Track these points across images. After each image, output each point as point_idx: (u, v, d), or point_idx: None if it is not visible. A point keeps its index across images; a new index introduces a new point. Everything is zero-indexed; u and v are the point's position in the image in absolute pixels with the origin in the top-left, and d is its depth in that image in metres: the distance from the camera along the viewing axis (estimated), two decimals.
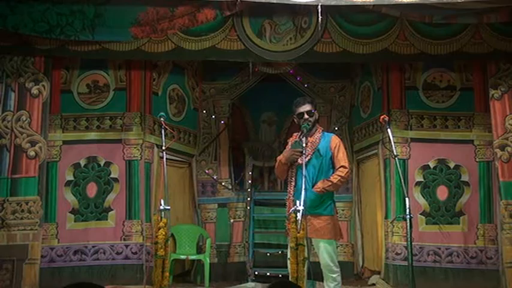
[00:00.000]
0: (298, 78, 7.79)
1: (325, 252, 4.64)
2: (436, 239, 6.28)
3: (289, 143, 4.90)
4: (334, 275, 4.66)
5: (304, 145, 4.61)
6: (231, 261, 7.49)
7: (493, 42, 5.96)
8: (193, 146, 7.63)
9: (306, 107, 4.78)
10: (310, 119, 4.76)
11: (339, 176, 4.69)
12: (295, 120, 4.89)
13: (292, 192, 4.75)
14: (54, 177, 6.23)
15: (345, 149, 4.89)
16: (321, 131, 4.87)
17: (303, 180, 4.39)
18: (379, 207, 6.76)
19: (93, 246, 6.19)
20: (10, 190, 5.83)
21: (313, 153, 4.73)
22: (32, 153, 5.90)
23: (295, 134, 4.98)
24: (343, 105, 7.88)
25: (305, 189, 4.36)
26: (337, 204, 6.65)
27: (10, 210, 5.78)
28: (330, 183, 4.67)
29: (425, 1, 5.41)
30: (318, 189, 4.64)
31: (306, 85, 7.84)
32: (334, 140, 4.82)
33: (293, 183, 4.78)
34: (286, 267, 4.57)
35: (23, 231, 5.78)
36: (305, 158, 4.57)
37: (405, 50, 6.02)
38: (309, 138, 4.75)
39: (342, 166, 4.71)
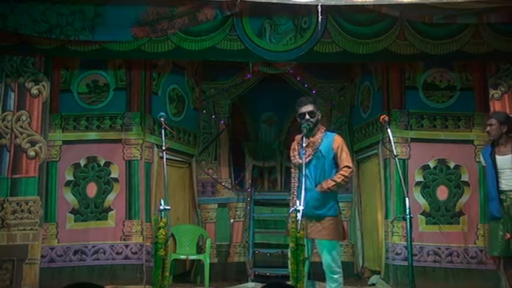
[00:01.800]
0: (298, 78, 7.78)
1: (327, 252, 4.64)
2: (436, 239, 6.28)
3: (294, 146, 4.88)
4: (335, 276, 4.66)
5: (304, 146, 4.61)
6: (231, 261, 7.49)
7: (493, 42, 5.94)
8: (193, 146, 7.63)
9: (308, 108, 4.77)
10: (311, 119, 4.75)
11: (343, 175, 4.68)
12: (298, 120, 4.89)
13: (296, 193, 4.74)
14: (54, 177, 6.24)
15: (348, 148, 4.88)
16: (323, 130, 4.84)
17: (304, 180, 4.40)
18: (379, 207, 6.76)
19: (93, 246, 6.19)
20: (10, 190, 5.82)
21: (314, 154, 4.72)
22: (32, 153, 5.90)
23: (297, 136, 4.95)
24: (343, 105, 7.89)
25: (305, 189, 4.37)
26: None
27: (10, 210, 5.77)
28: (333, 183, 4.66)
29: (425, 1, 5.42)
30: (322, 189, 4.64)
31: (305, 85, 7.83)
32: (337, 139, 4.80)
33: (296, 184, 4.77)
34: (287, 267, 4.58)
35: (23, 231, 5.77)
36: (306, 158, 4.56)
37: (405, 50, 6.01)
38: (310, 139, 4.75)
39: (345, 166, 4.70)
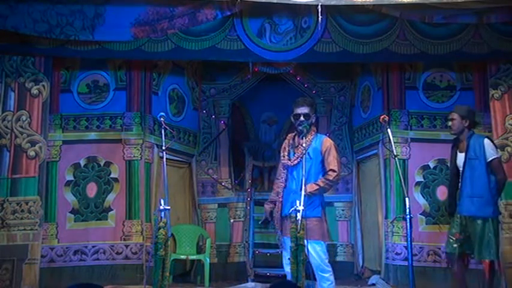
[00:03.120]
0: (298, 78, 7.79)
1: (315, 253, 4.66)
2: (436, 239, 6.27)
3: (285, 146, 4.91)
4: (326, 275, 4.69)
5: (294, 149, 4.66)
6: (231, 261, 7.49)
7: (493, 42, 5.95)
8: (193, 146, 7.63)
9: (304, 109, 4.79)
10: (305, 122, 4.76)
11: (327, 179, 4.70)
12: (292, 119, 4.90)
13: (281, 193, 4.77)
14: (54, 177, 6.24)
15: (337, 151, 4.87)
16: (313, 133, 4.87)
17: (293, 181, 4.43)
18: (379, 207, 6.76)
19: (93, 246, 6.19)
20: (10, 190, 5.82)
21: (303, 155, 4.72)
22: (32, 153, 5.90)
23: (290, 135, 4.99)
24: (343, 105, 7.89)
25: (293, 190, 4.39)
26: (337, 204, 6.59)
27: (10, 210, 5.77)
28: (316, 187, 4.67)
29: (425, 1, 5.42)
30: (305, 193, 4.63)
31: (305, 85, 7.83)
32: (325, 143, 4.82)
33: (283, 184, 4.80)
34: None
35: (23, 231, 5.78)
36: (294, 160, 4.59)
37: (405, 50, 6.02)
38: (300, 140, 4.76)
39: (330, 170, 4.71)
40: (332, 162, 4.73)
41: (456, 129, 5.11)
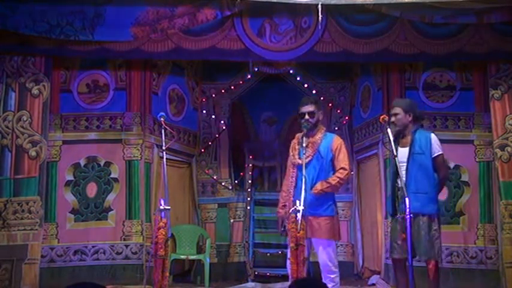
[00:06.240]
0: (298, 78, 7.79)
1: (324, 252, 4.64)
2: None
3: (294, 145, 4.90)
4: (332, 276, 4.66)
5: (304, 149, 4.65)
6: (231, 261, 7.49)
7: (493, 42, 5.94)
8: (193, 146, 7.63)
9: (308, 108, 4.78)
10: (310, 120, 4.77)
11: (338, 177, 4.69)
12: (298, 119, 4.90)
13: (292, 193, 4.74)
14: (54, 177, 6.24)
15: (347, 150, 4.89)
16: (323, 131, 4.86)
17: (303, 180, 4.41)
18: (379, 207, 6.76)
19: (93, 246, 6.19)
20: (13, 191, 5.81)
21: (314, 154, 4.73)
22: (34, 154, 5.89)
23: (298, 134, 4.97)
24: (343, 105, 7.89)
25: (305, 190, 4.38)
26: (337, 204, 6.61)
27: (12, 211, 5.77)
28: (328, 185, 4.67)
29: (425, 1, 5.42)
30: (316, 191, 4.64)
31: (305, 85, 7.83)
32: (336, 141, 4.82)
33: (294, 184, 4.77)
34: (286, 267, 4.60)
35: (23, 231, 5.77)
36: (306, 158, 4.57)
37: (405, 50, 6.01)
38: (310, 139, 4.76)
39: (341, 168, 4.71)
40: (343, 160, 4.73)
41: (401, 124, 4.75)
